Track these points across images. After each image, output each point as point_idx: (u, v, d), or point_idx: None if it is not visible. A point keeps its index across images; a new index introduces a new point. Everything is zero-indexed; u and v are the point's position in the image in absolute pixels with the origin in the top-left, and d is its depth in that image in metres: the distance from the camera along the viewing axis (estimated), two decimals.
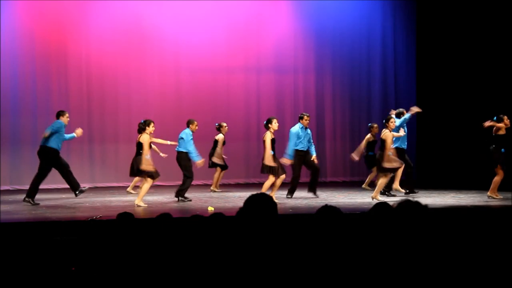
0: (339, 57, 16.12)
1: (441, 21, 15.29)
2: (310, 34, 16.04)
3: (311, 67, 16.08)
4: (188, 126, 11.68)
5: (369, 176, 13.27)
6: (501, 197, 10.92)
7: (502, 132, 10.99)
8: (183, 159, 11.39)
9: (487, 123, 11.08)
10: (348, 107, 16.28)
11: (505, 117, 11.03)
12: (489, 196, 10.92)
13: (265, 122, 11.13)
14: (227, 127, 13.41)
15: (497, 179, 10.91)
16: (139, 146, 10.35)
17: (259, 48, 15.76)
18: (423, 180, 14.34)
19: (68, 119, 11.08)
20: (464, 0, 14.84)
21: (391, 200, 10.47)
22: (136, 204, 10.22)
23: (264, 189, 10.81)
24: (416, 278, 3.05)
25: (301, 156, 11.57)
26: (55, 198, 11.29)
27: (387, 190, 11.44)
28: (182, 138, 11.47)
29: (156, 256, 3.66)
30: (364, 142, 12.84)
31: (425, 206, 3.26)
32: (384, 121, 11.12)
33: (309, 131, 11.71)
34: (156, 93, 15.16)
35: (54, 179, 11.91)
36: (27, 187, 13.84)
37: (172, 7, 15.17)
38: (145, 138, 10.32)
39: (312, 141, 11.82)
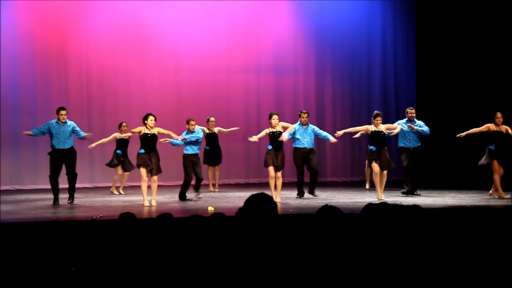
0: (339, 57, 16.13)
1: (441, 21, 15.30)
2: (310, 34, 16.04)
3: (311, 67, 16.08)
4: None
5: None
6: None
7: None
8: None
9: None
10: (348, 107, 16.28)
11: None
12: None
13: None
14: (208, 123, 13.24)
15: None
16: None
17: (259, 48, 15.76)
18: (423, 180, 14.33)
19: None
20: (464, 0, 14.85)
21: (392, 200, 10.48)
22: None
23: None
24: (416, 278, 3.05)
25: (302, 154, 11.53)
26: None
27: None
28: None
29: (156, 256, 3.66)
30: None
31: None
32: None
33: (311, 128, 11.59)
34: (156, 93, 15.16)
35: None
36: (27, 187, 13.96)
37: (172, 7, 15.17)
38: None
39: (322, 134, 11.66)
